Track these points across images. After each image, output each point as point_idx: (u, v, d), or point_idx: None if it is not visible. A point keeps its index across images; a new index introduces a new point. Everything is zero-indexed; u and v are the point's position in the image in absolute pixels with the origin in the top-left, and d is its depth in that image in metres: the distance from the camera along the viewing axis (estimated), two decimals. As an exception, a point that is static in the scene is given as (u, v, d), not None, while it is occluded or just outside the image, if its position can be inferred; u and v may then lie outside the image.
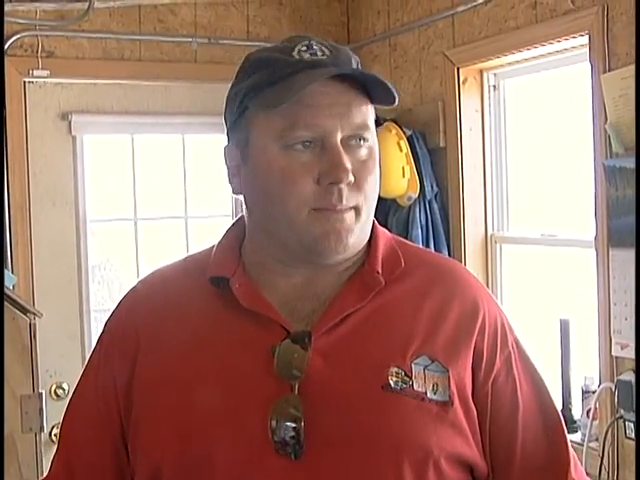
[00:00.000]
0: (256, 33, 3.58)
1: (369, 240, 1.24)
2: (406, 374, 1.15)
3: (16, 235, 3.23)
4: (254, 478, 1.12)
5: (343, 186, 1.13)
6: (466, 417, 1.19)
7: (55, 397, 3.36)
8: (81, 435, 1.26)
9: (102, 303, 3.63)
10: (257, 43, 3.45)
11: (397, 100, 1.16)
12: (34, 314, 2.56)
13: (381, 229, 1.27)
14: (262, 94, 1.15)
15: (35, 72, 3.26)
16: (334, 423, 1.12)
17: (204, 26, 3.52)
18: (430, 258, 1.35)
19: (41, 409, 2.56)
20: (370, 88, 1.17)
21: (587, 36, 2.60)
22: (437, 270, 1.28)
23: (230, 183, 1.24)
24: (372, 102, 1.18)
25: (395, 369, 1.15)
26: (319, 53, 1.16)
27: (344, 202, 1.14)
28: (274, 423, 1.11)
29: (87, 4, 3.18)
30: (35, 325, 2.55)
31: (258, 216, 1.21)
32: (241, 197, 1.25)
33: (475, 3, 3.02)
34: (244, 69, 1.20)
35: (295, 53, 1.16)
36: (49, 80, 3.36)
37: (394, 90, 1.15)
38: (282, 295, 1.20)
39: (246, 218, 1.26)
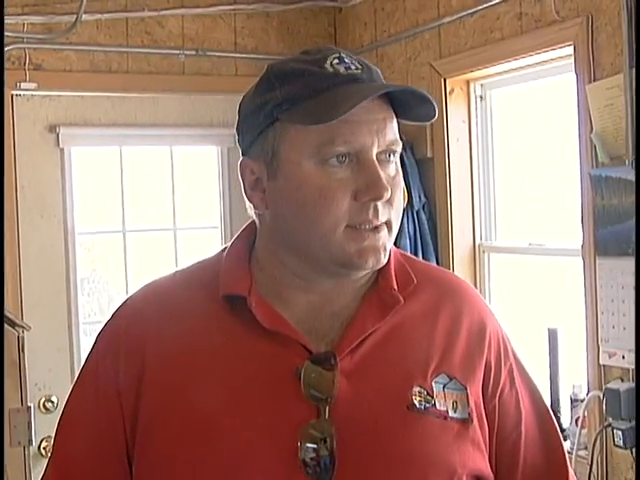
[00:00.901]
0: (244, 45, 3.58)
1: None
2: (428, 393, 1.16)
3: (4, 247, 3.22)
4: None
5: (379, 202, 1.12)
6: (481, 431, 1.20)
7: (44, 410, 3.34)
8: (80, 447, 1.21)
9: (91, 315, 3.63)
10: (245, 55, 3.45)
11: (436, 116, 1.15)
12: (22, 327, 2.56)
13: None
14: (298, 107, 1.11)
15: (23, 85, 3.27)
16: (362, 445, 1.12)
17: (192, 38, 3.52)
18: (434, 274, 1.33)
19: (30, 423, 2.55)
20: (411, 105, 1.14)
21: (572, 46, 2.62)
22: (443, 286, 1.28)
23: (249, 198, 1.19)
24: (405, 117, 1.16)
25: (418, 389, 1.16)
26: (352, 67, 1.14)
27: (380, 218, 1.13)
28: (298, 445, 1.10)
29: (74, 17, 3.19)
30: (23, 338, 2.55)
31: (283, 231, 1.17)
32: (252, 211, 1.20)
33: (461, 14, 3.04)
34: (268, 80, 1.16)
35: (328, 65, 1.13)
36: (37, 93, 3.36)
37: (436, 107, 1.14)
38: (299, 312, 1.18)
39: (263, 231, 1.21)
